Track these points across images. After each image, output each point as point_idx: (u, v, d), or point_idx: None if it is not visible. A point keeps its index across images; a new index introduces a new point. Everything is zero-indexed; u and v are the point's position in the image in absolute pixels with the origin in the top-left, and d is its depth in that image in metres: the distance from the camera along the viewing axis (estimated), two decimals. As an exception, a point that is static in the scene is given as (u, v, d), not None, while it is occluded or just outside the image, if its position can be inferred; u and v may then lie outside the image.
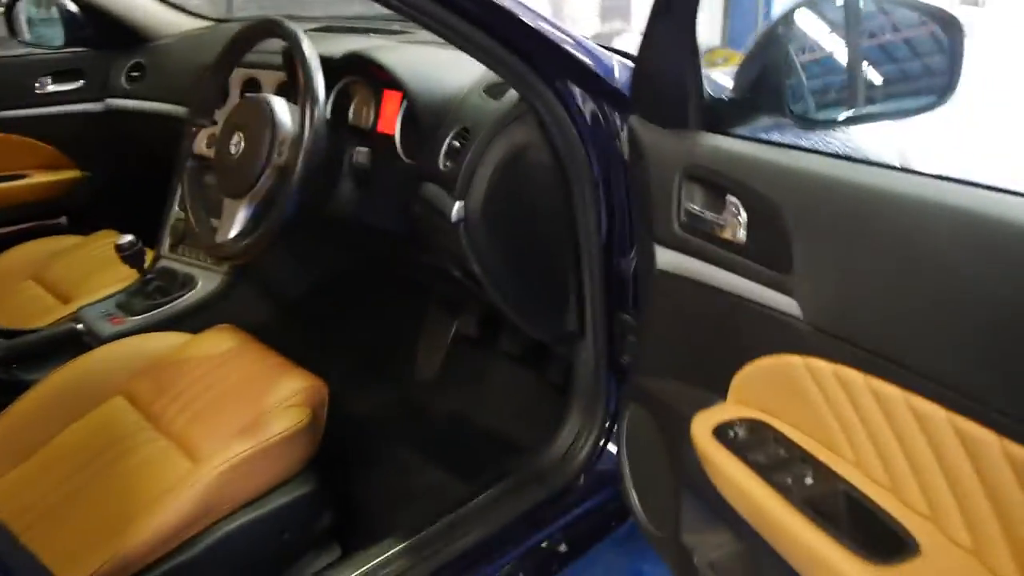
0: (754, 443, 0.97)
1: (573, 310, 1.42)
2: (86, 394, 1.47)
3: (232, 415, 1.34)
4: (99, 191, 2.36)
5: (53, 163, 2.30)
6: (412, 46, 1.63)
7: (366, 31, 1.95)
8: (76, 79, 2.30)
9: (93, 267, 1.97)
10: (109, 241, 2.08)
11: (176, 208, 1.91)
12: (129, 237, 1.65)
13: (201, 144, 1.47)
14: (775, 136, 1.10)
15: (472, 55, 1.19)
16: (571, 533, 1.48)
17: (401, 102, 1.52)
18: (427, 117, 1.39)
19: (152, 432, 1.37)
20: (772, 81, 1.13)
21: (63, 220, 2.34)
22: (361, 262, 2.02)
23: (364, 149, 1.48)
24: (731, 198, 1.01)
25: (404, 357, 2.06)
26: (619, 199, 1.33)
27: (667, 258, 1.12)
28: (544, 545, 1.45)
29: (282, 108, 1.35)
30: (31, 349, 1.57)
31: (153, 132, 2.26)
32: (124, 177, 2.36)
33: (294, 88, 1.62)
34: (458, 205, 1.28)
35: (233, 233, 1.36)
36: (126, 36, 2.31)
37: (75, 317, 1.74)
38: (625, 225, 1.35)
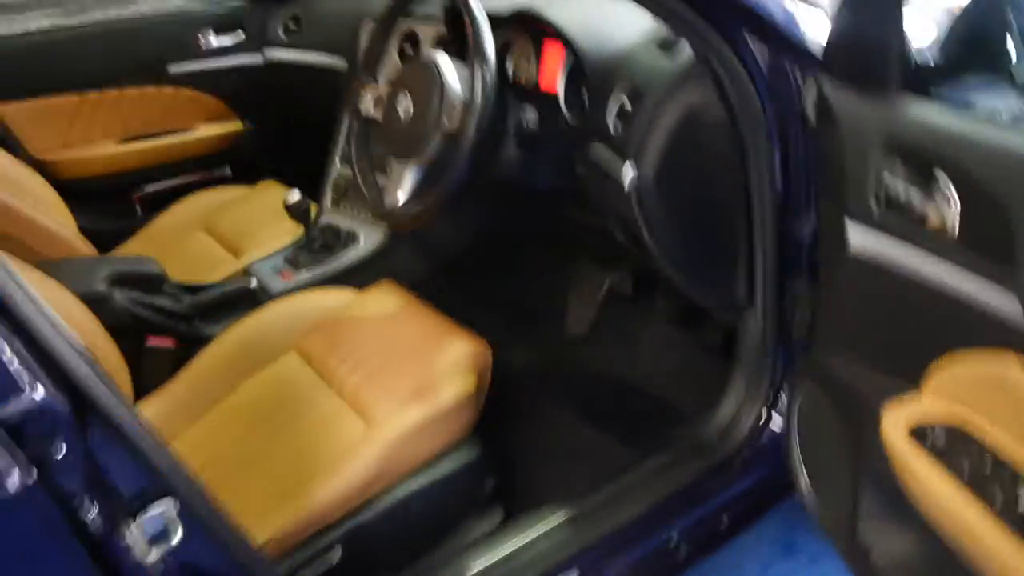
0: (957, 451, 0.90)
1: (743, 277, 1.36)
2: (262, 349, 1.54)
3: (402, 378, 1.37)
4: (260, 142, 2.44)
5: (218, 115, 2.39)
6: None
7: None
8: (236, 31, 2.36)
9: (260, 219, 2.05)
10: (273, 192, 2.16)
11: (337, 164, 1.95)
12: (297, 195, 1.70)
13: (368, 103, 1.48)
14: (989, 107, 1.00)
15: (643, 6, 1.13)
16: (733, 508, 1.46)
17: (564, 58, 1.48)
18: (596, 75, 1.35)
19: (326, 390, 1.43)
20: (988, 43, 1.02)
21: (227, 171, 2.44)
22: (515, 220, 2.02)
23: (530, 110, 1.45)
24: (940, 176, 0.93)
25: (554, 314, 2.05)
26: (795, 160, 1.25)
27: (860, 236, 1.05)
28: (705, 519, 1.43)
29: (450, 71, 1.34)
30: (211, 304, 1.66)
31: (310, 83, 2.30)
32: (284, 128, 2.43)
33: (455, 44, 1.62)
34: (631, 172, 1.24)
35: (402, 197, 1.37)
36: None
37: (247, 271, 1.82)
38: (801, 187, 1.27)
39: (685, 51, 1.27)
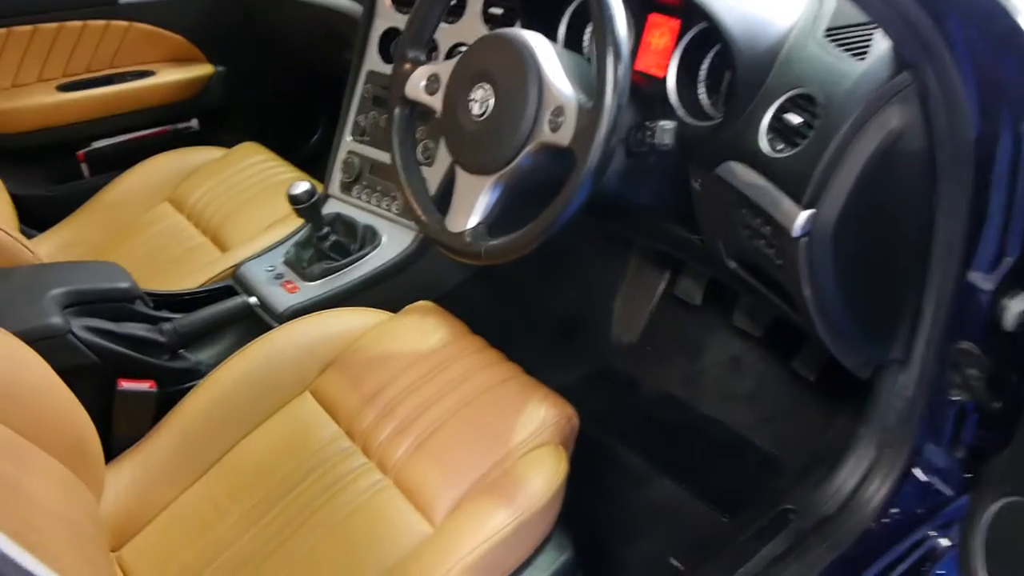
0: None
1: (904, 335, 1.07)
2: (268, 391, 1.20)
3: (468, 459, 1.06)
4: (235, 91, 2.01)
5: (182, 56, 1.95)
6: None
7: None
8: (206, -48, 1.91)
9: (242, 195, 1.67)
10: (256, 159, 1.77)
11: (348, 137, 1.56)
12: (305, 185, 1.32)
13: (418, 87, 1.10)
14: None
15: None
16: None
17: (679, 33, 1.13)
18: (748, 73, 1.00)
19: (361, 458, 1.11)
20: None
21: (194, 123, 2.02)
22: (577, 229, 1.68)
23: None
24: None
25: (600, 321, 1.74)
26: (996, 201, 0.95)
27: None
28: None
29: (551, 61, 0.98)
30: (200, 330, 1.29)
31: (296, 24, 1.88)
32: (265, 74, 2.01)
33: (544, 12, 1.25)
34: (805, 215, 0.92)
35: (472, 221, 1.02)
36: None
37: (235, 273, 1.45)
38: (994, 234, 0.98)
39: (878, 47, 0.93)
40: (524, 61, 0.98)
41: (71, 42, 1.78)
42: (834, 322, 1.04)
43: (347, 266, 1.40)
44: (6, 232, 1.21)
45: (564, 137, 0.93)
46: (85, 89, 1.81)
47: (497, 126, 0.99)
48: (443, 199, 1.36)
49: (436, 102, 1.09)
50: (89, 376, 1.16)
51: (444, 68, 1.09)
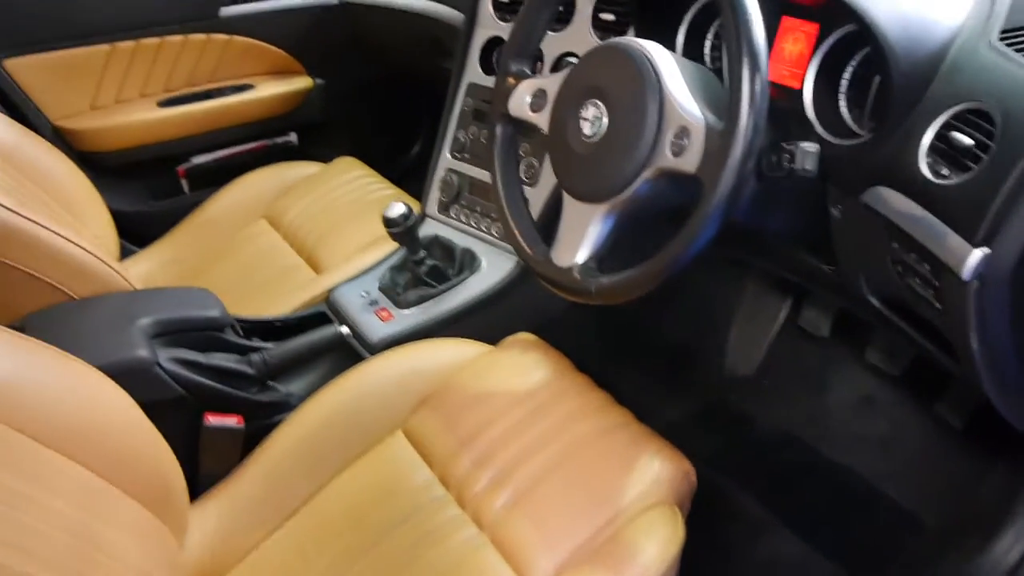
0: None
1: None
2: (359, 429, 1.13)
3: (572, 519, 0.95)
4: (334, 105, 1.96)
5: (281, 69, 1.92)
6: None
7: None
8: (308, -38, 1.87)
9: (338, 214, 1.61)
10: (353, 175, 1.72)
11: (447, 155, 1.47)
12: (401, 208, 1.24)
13: (522, 103, 1.00)
14: None
15: None
16: None
17: (816, 38, 0.99)
18: (906, 84, 0.86)
19: (455, 508, 1.02)
20: None
21: (292, 137, 1.98)
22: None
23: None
24: None
25: (714, 351, 1.61)
26: None
27: None
28: None
29: (674, 75, 0.86)
30: (290, 361, 1.22)
31: (397, 33, 1.82)
32: (364, 88, 1.96)
33: (660, 18, 1.13)
34: (978, 255, 0.77)
35: (581, 255, 0.92)
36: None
37: (328, 298, 1.38)
38: None
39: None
40: (642, 75, 0.86)
41: (172, 57, 1.77)
42: (1005, 376, 0.89)
43: (444, 292, 1.32)
44: (99, 259, 1.17)
45: (689, 163, 0.81)
46: (185, 104, 1.79)
47: (611, 149, 0.88)
48: (547, 224, 1.27)
49: (542, 120, 0.99)
50: (175, 410, 1.11)
51: (551, 83, 0.98)
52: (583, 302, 0.92)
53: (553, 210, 1.28)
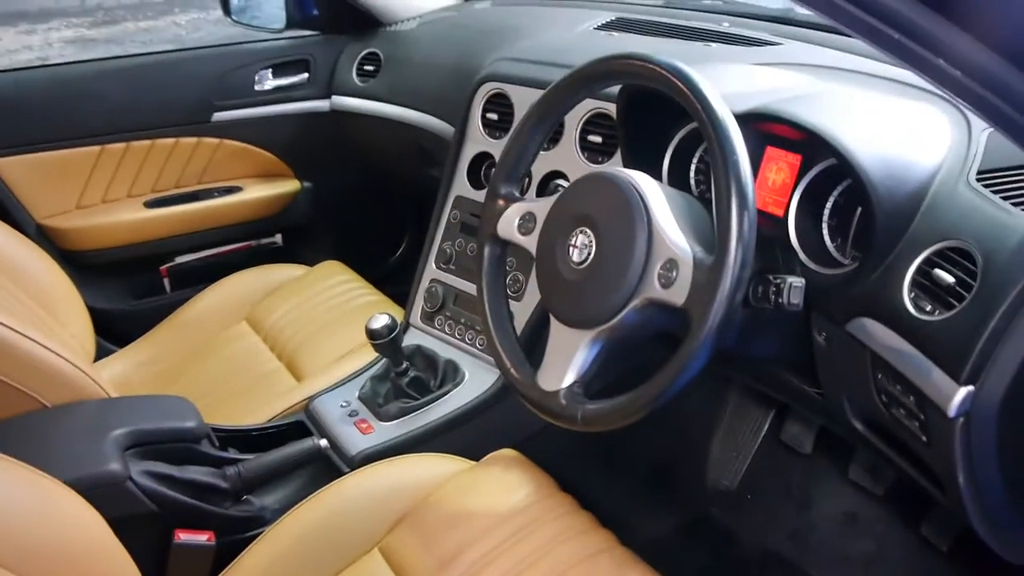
0: None
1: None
2: (335, 548, 1.09)
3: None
4: (320, 208, 1.98)
5: (270, 172, 1.94)
6: (833, 87, 1.11)
7: (693, 34, 1.44)
8: (299, 72, 1.90)
9: (320, 320, 1.60)
10: (336, 279, 1.71)
11: (433, 265, 1.48)
12: (384, 319, 1.23)
13: (511, 226, 1.01)
14: None
15: (968, 102, 0.62)
16: None
17: (799, 169, 1.02)
18: (888, 219, 0.88)
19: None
20: None
21: (277, 239, 1.98)
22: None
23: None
24: None
25: (695, 464, 1.59)
26: None
27: None
28: None
29: (660, 204, 0.88)
30: (266, 475, 1.19)
31: (385, 141, 1.85)
32: (350, 193, 1.98)
33: (647, 142, 1.17)
34: (963, 393, 0.78)
35: (567, 379, 0.91)
36: (358, 18, 1.89)
37: (308, 407, 1.36)
38: None
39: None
40: (630, 206, 0.88)
41: (162, 158, 1.78)
42: (991, 510, 0.88)
43: (426, 405, 1.30)
44: (72, 364, 1.15)
45: (677, 295, 0.82)
46: (172, 205, 1.80)
47: (599, 276, 0.89)
48: (531, 339, 1.27)
49: (531, 243, 1.00)
50: (145, 526, 1.08)
51: (540, 207, 1.00)
52: (569, 428, 0.91)
53: (538, 325, 1.28)
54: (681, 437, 1.61)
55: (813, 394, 1.11)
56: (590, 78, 0.98)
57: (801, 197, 1.02)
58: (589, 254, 0.90)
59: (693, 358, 0.79)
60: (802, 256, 1.01)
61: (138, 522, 1.06)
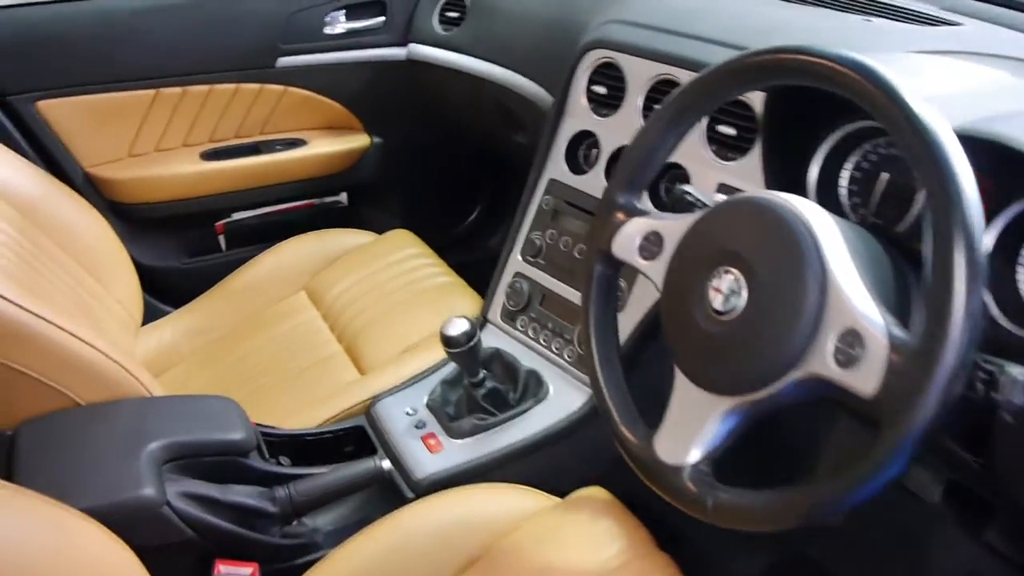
0: None
1: None
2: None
3: None
4: (391, 167, 1.80)
5: (338, 124, 1.76)
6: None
7: (850, 3, 1.21)
8: (375, 15, 1.71)
9: (385, 297, 1.45)
10: (407, 252, 1.56)
11: (519, 256, 1.30)
12: (463, 325, 1.06)
13: (631, 245, 0.83)
14: None
15: None
16: None
17: (989, 198, 0.80)
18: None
19: None
20: None
21: (342, 198, 1.82)
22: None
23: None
24: None
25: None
26: None
27: None
28: None
29: (839, 250, 0.68)
30: (321, 498, 1.05)
31: (466, 98, 1.66)
32: (421, 151, 1.80)
33: (794, 140, 0.96)
34: None
35: (694, 454, 0.74)
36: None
37: (369, 409, 1.21)
38: None
39: None
40: (800, 249, 0.68)
41: (221, 106, 1.62)
42: None
43: (504, 423, 1.14)
44: (112, 359, 1.01)
45: (863, 381, 0.63)
46: (231, 158, 1.64)
47: (749, 334, 0.70)
48: (631, 359, 1.08)
49: (655, 272, 0.81)
50: (182, 554, 0.95)
51: (671, 228, 0.80)
52: (691, 514, 0.74)
53: (641, 340, 1.10)
54: (785, 458, 1.43)
55: (971, 461, 0.92)
56: (750, 72, 0.77)
57: (998, 237, 0.81)
58: (738, 303, 0.71)
59: (883, 468, 0.61)
60: (994, 310, 0.80)
61: (173, 550, 0.93)
